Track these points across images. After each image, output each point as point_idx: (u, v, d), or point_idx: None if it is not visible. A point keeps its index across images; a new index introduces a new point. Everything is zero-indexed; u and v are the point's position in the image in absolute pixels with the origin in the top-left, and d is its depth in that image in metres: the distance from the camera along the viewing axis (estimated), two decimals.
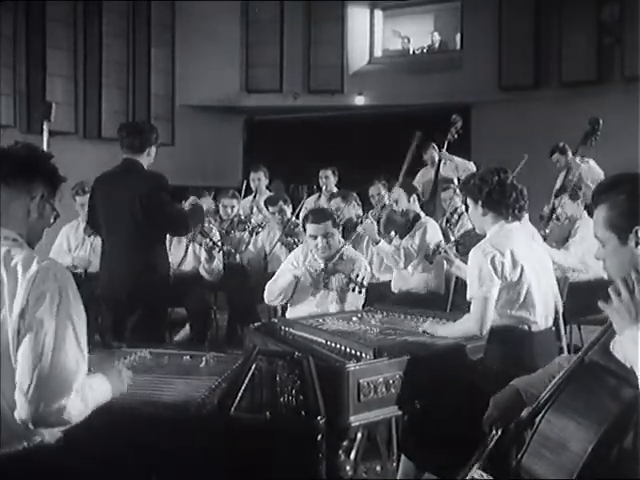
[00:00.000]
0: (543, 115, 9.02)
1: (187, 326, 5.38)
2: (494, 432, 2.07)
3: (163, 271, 4.20)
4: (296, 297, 4.01)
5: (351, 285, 3.79)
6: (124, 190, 4.01)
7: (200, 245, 5.20)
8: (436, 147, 6.98)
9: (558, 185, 6.32)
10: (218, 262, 5.29)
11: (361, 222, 4.65)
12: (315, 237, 3.92)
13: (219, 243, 5.17)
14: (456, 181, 6.86)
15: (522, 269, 2.93)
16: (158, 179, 4.09)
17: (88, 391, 1.93)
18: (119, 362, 2.49)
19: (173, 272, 5.37)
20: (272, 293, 4.01)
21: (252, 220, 5.95)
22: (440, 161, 6.92)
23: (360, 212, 5.52)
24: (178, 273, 5.39)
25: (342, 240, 4.14)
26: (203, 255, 5.16)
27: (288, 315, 4.02)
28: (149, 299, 3.95)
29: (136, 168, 4.07)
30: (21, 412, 1.83)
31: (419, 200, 5.28)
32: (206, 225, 5.41)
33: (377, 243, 4.66)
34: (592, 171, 6.33)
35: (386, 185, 5.78)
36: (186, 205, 4.64)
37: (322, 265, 3.92)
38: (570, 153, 6.42)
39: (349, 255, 4.03)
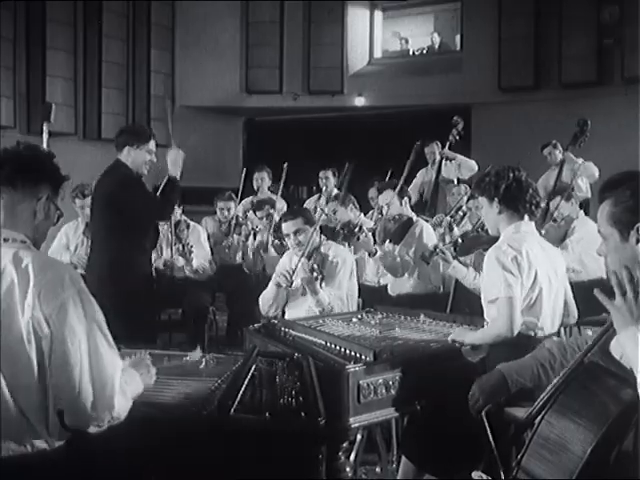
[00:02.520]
0: (543, 116, 9.02)
1: None
2: (483, 418, 2.07)
3: (141, 272, 4.17)
4: (290, 301, 4.05)
5: (314, 274, 3.82)
6: (99, 189, 4.10)
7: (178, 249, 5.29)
8: (439, 144, 6.96)
9: (546, 184, 6.31)
10: (202, 261, 5.31)
11: (358, 239, 4.61)
12: (288, 235, 4.02)
13: (190, 247, 5.21)
14: (456, 181, 6.86)
15: (536, 273, 2.90)
16: (125, 176, 4.05)
17: (126, 386, 1.97)
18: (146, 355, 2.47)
19: (167, 274, 5.39)
20: (264, 304, 4.08)
21: (248, 223, 5.98)
22: (442, 160, 6.90)
23: (358, 214, 5.52)
24: (173, 275, 5.40)
25: (322, 238, 4.14)
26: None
27: (287, 316, 4.03)
28: (129, 300, 3.93)
29: (116, 167, 4.10)
30: (74, 419, 1.88)
31: (410, 202, 5.28)
32: (182, 230, 5.44)
33: (374, 254, 4.62)
34: (587, 168, 6.31)
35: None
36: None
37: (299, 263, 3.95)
38: (561, 150, 6.41)
39: (327, 249, 4.07)
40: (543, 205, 5.65)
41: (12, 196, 1.99)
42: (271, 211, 5.86)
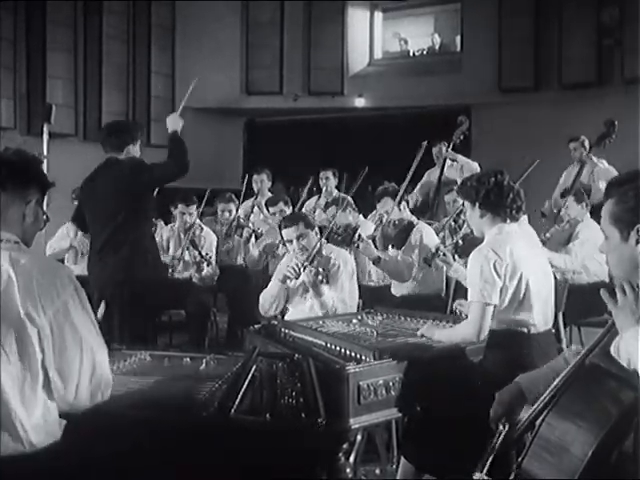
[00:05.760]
0: (543, 117, 9.02)
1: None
2: (501, 428, 2.07)
3: (152, 264, 4.16)
4: (291, 300, 4.03)
5: (319, 277, 3.82)
6: (106, 182, 4.08)
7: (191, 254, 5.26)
8: (446, 144, 6.95)
9: (567, 181, 6.25)
10: (210, 271, 5.30)
11: (357, 247, 4.58)
12: (290, 241, 3.98)
13: (208, 257, 5.17)
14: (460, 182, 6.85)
15: (521, 272, 2.92)
16: (136, 160, 4.12)
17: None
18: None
19: (172, 274, 5.39)
20: (265, 302, 4.05)
21: (250, 225, 5.96)
22: (445, 161, 6.89)
23: (357, 216, 5.52)
24: (176, 275, 5.40)
25: (320, 239, 4.12)
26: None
27: (287, 317, 4.02)
28: (140, 295, 3.92)
29: (117, 163, 4.11)
30: (78, 403, 1.98)
31: (408, 205, 5.28)
32: (197, 235, 5.42)
33: (377, 261, 4.59)
34: (608, 172, 6.23)
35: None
36: None
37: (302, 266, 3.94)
38: (587, 148, 6.38)
39: (328, 252, 4.05)
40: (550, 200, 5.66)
41: (3, 198, 2.03)
42: (284, 208, 5.83)
